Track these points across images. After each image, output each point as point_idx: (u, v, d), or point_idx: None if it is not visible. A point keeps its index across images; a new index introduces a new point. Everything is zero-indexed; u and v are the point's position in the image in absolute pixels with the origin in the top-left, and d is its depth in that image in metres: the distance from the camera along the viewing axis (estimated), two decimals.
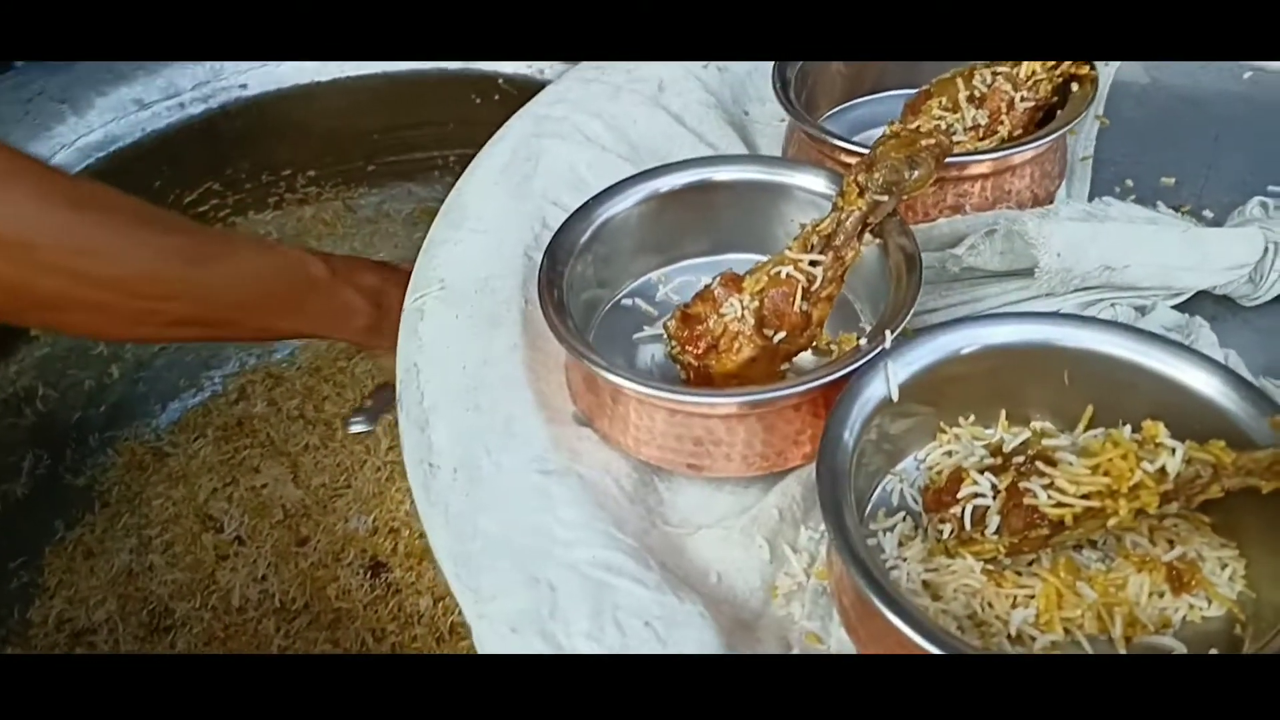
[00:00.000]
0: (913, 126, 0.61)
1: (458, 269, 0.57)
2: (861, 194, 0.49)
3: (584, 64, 0.73)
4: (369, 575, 0.93)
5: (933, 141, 0.49)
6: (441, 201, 0.64)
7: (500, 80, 0.89)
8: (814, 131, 0.60)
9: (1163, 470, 0.38)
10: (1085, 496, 0.39)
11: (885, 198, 0.49)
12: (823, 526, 0.47)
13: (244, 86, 0.90)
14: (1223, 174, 0.63)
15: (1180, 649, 0.39)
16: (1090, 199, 0.62)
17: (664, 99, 0.69)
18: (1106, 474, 0.39)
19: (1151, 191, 0.62)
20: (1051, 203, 0.60)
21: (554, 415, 0.50)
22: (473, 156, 0.66)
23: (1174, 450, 0.39)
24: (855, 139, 0.62)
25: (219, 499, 0.99)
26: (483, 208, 0.61)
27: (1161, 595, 0.41)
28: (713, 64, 0.72)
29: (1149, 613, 0.40)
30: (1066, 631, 0.40)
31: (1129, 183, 0.63)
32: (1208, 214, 0.60)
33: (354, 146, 1.08)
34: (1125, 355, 0.43)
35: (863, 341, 0.45)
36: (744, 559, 0.46)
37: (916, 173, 0.49)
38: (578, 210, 0.54)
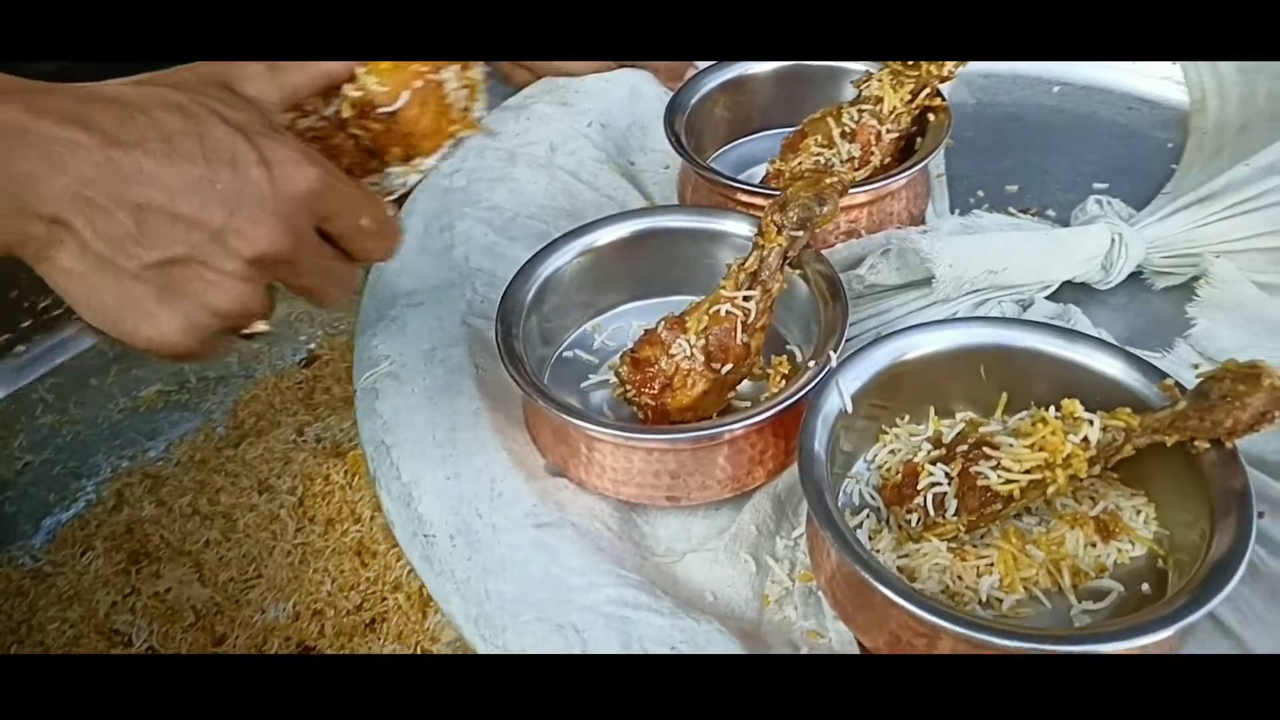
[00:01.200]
0: (794, 163, 0.68)
1: (401, 344, 0.59)
2: (779, 231, 0.54)
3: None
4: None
5: (835, 179, 0.55)
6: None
7: None
8: (710, 175, 0.66)
9: (1085, 440, 0.45)
10: (1028, 471, 0.45)
11: (800, 233, 0.54)
12: (795, 534, 0.52)
13: None
14: (1054, 177, 0.73)
15: (1119, 588, 0.46)
16: (952, 211, 0.70)
17: (557, 159, 0.73)
18: (1042, 449, 0.45)
19: (1000, 199, 0.71)
20: (923, 219, 0.68)
21: (531, 471, 0.53)
22: None
23: (1091, 421, 0.46)
24: (741, 177, 0.69)
25: (121, 611, 0.94)
26: (412, 283, 0.63)
27: (1094, 545, 0.48)
28: (595, 121, 0.76)
29: (1087, 562, 0.47)
30: (1026, 590, 0.46)
31: (980, 193, 0.72)
32: (1051, 213, 0.69)
33: None
34: (1030, 345, 0.51)
35: (812, 364, 0.50)
36: (733, 575, 0.50)
37: (825, 208, 0.55)
38: (519, 272, 0.57)
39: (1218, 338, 0.58)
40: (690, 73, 0.78)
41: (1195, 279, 0.62)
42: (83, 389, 1.09)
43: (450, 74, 0.50)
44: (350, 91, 0.49)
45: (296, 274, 0.43)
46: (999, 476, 0.45)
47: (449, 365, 0.57)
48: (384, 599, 0.92)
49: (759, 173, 0.71)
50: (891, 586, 0.41)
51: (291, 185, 0.41)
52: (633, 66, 0.80)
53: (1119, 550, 0.47)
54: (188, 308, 0.40)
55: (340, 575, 0.94)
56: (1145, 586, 0.46)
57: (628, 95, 0.78)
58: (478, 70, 0.53)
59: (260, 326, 0.44)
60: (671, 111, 0.69)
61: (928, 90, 0.66)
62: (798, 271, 0.56)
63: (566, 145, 0.74)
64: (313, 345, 1.19)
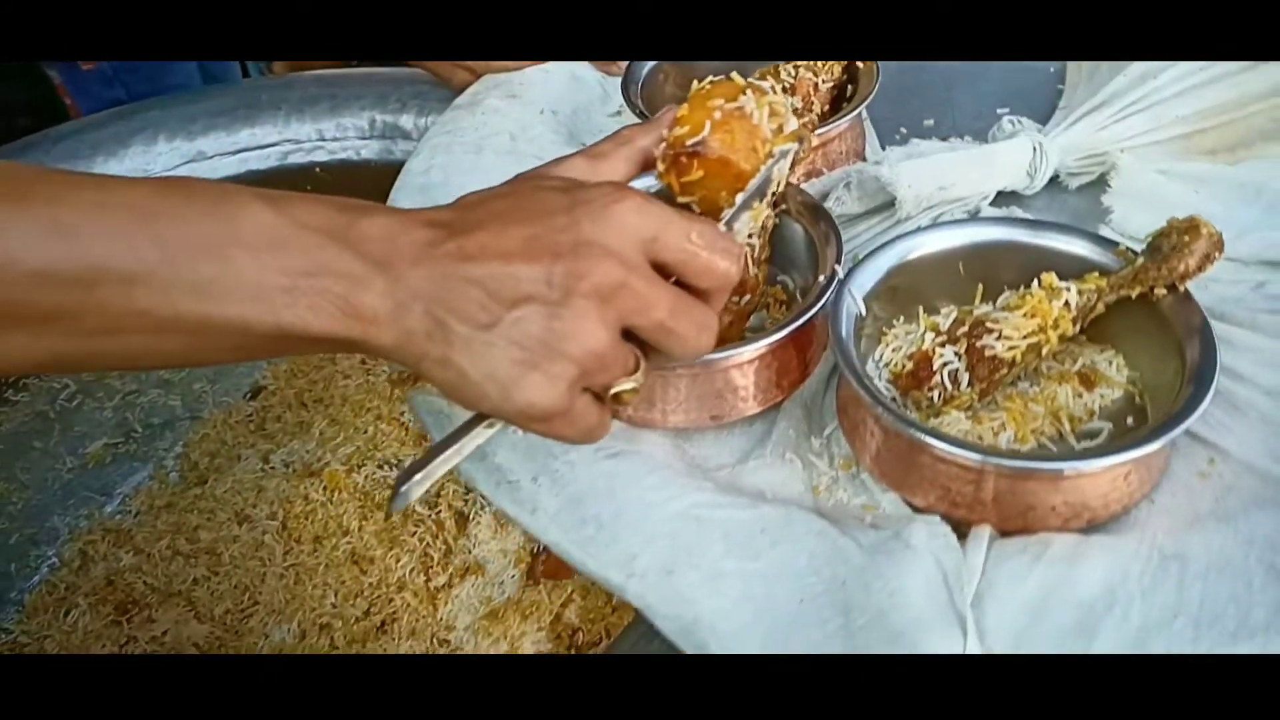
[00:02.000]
0: None
1: None
2: None
3: (433, 129, 0.79)
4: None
5: (806, 119, 0.62)
6: None
7: (317, 169, 0.92)
8: None
9: (1067, 304, 0.54)
10: (1026, 337, 0.53)
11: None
12: (826, 432, 0.58)
13: None
14: (961, 109, 0.82)
15: (1108, 426, 0.55)
16: (883, 148, 0.78)
17: (520, 146, 0.77)
18: (1035, 316, 0.53)
19: (921, 133, 0.80)
20: (864, 157, 0.76)
21: None
22: None
23: (1068, 288, 0.54)
24: None
25: None
26: None
27: (1080, 395, 0.56)
28: (545, 109, 0.81)
29: (1078, 410, 0.55)
30: (1035, 440, 0.54)
31: (903, 130, 0.80)
32: (967, 139, 0.78)
33: None
34: (1001, 238, 0.59)
35: (822, 278, 0.57)
36: (784, 475, 0.56)
37: (802, 145, 0.61)
38: None
39: (1132, 220, 0.67)
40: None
41: (1104, 175, 0.71)
42: (27, 453, 1.06)
43: (749, 97, 0.49)
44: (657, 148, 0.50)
45: (644, 309, 0.42)
46: (1003, 345, 0.53)
47: None
48: (390, 600, 0.94)
49: None
50: (938, 436, 0.48)
51: (610, 216, 0.41)
52: None
53: (1101, 396, 0.56)
54: (544, 360, 0.40)
55: (341, 586, 0.96)
56: (1130, 420, 0.55)
57: (569, 82, 0.83)
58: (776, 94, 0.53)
59: (627, 384, 0.43)
60: (626, 85, 0.75)
61: None
62: (782, 207, 0.62)
63: (525, 133, 0.78)
64: (256, 376, 1.19)
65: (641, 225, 0.42)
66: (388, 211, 0.42)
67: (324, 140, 0.90)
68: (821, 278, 0.57)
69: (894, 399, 0.57)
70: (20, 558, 1.03)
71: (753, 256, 0.59)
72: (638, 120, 0.73)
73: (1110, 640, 0.43)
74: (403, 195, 0.73)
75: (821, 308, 0.55)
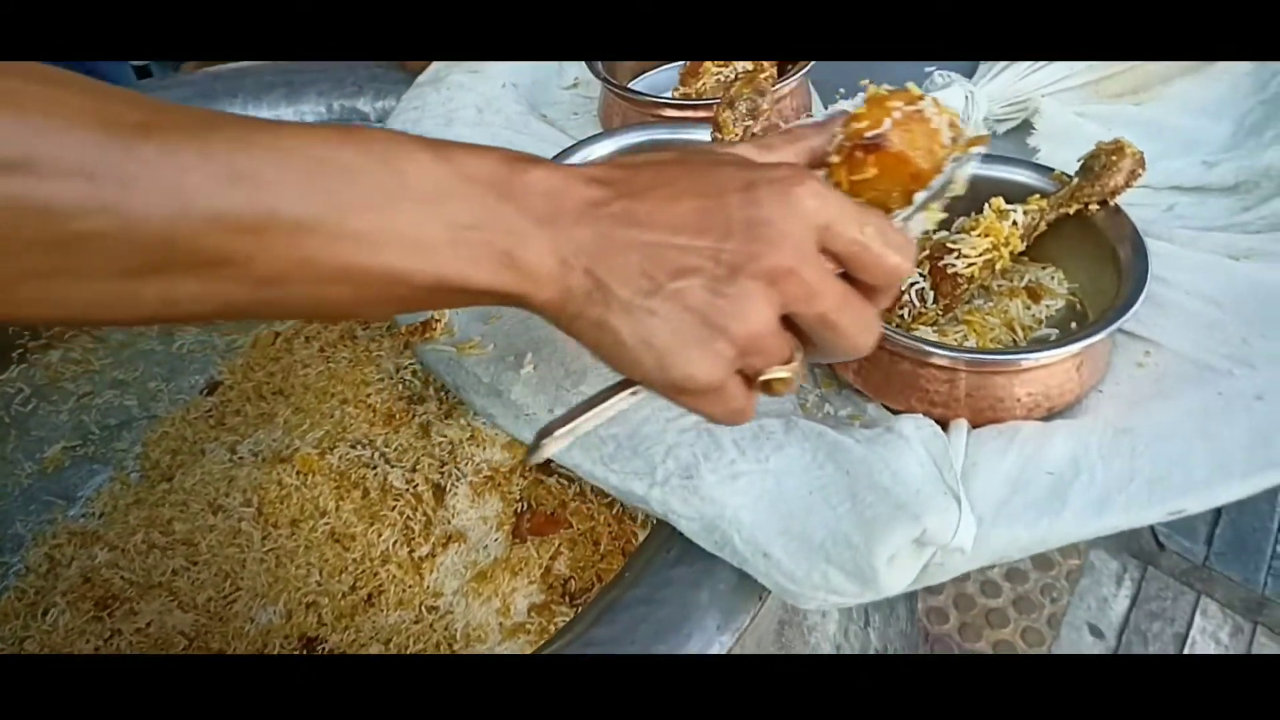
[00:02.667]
0: (699, 84, 0.80)
1: None
2: (735, 123, 0.66)
3: (401, 105, 0.82)
4: (306, 654, 0.94)
5: (765, 74, 0.68)
6: None
7: None
8: (636, 97, 0.77)
9: (1015, 223, 0.60)
10: (982, 254, 0.59)
11: (751, 121, 0.66)
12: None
13: None
14: (890, 70, 0.89)
15: (1055, 331, 0.61)
16: (825, 106, 0.84)
17: (486, 117, 0.81)
18: (988, 235, 0.60)
19: (857, 90, 0.86)
20: (811, 113, 0.82)
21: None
22: None
23: (1015, 210, 0.60)
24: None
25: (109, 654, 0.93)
26: None
27: (1029, 307, 0.63)
28: (506, 83, 0.85)
29: (1028, 320, 0.62)
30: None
31: (842, 90, 0.87)
32: None
33: None
34: None
35: None
36: (772, 402, 0.61)
37: (764, 99, 0.67)
38: None
39: (1057, 156, 0.74)
40: None
41: (1028, 120, 0.79)
42: None
43: (928, 102, 0.47)
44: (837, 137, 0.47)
45: (810, 299, 0.40)
46: (963, 263, 0.59)
47: None
48: (375, 574, 0.96)
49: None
50: (915, 340, 0.54)
51: (790, 199, 0.40)
52: None
53: (1047, 306, 0.63)
54: (704, 335, 0.39)
55: (324, 564, 0.97)
56: (1073, 325, 0.62)
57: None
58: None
59: (780, 372, 0.42)
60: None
61: None
62: None
63: (490, 105, 0.82)
64: (212, 372, 1.19)
65: (819, 211, 0.40)
66: (552, 166, 0.41)
67: None
68: None
69: None
70: None
71: None
72: (595, 93, 0.77)
73: (1079, 501, 0.49)
74: None
75: None
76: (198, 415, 1.15)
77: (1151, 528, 1.56)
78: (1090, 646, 1.50)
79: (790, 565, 0.49)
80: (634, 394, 0.45)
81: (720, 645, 0.51)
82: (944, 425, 0.55)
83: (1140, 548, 1.58)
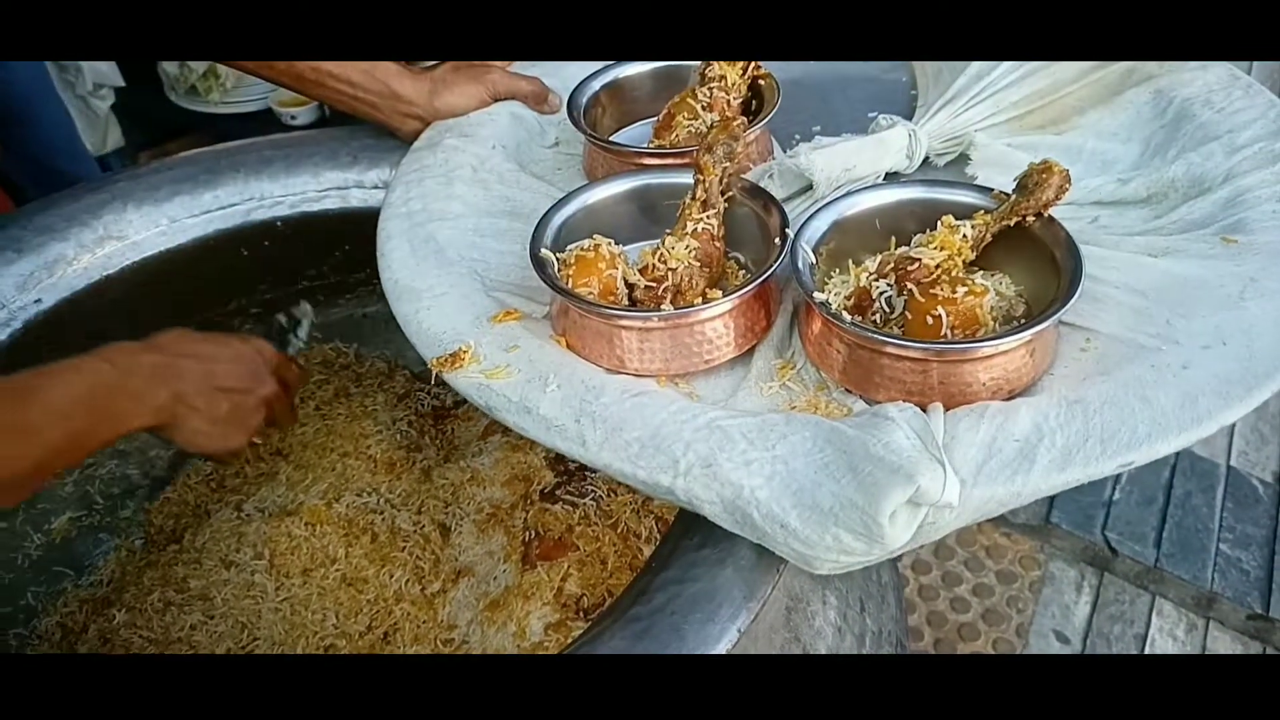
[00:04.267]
0: (673, 136, 0.89)
1: (449, 320, 0.73)
2: (714, 166, 0.75)
3: (402, 167, 0.90)
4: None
5: (738, 122, 0.77)
6: None
7: (278, 223, 1.00)
8: (618, 149, 0.86)
9: (965, 236, 0.69)
10: (938, 265, 0.68)
11: (728, 164, 0.75)
12: (798, 366, 0.71)
13: (38, 301, 0.91)
14: (840, 116, 0.99)
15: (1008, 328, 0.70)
16: (785, 150, 0.94)
17: (480, 176, 0.89)
18: (943, 248, 0.69)
19: (809, 137, 0.96)
20: (772, 155, 0.91)
21: (608, 373, 0.69)
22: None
23: (963, 224, 0.70)
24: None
25: None
26: (424, 282, 0.77)
27: (992, 309, 0.71)
28: (496, 144, 0.93)
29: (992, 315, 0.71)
30: None
31: (797, 136, 0.96)
32: (849, 136, 0.95)
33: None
34: (906, 196, 0.74)
35: (776, 240, 0.71)
36: (770, 400, 0.69)
37: (738, 144, 0.76)
38: (539, 224, 0.73)
39: (994, 181, 0.84)
40: (551, 96, 0.98)
41: (964, 153, 0.89)
42: None
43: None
44: None
45: (281, 400, 0.83)
46: (926, 255, 0.68)
47: (494, 320, 0.72)
48: (390, 612, 1.01)
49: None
50: (892, 336, 0.62)
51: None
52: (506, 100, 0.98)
53: (999, 305, 0.72)
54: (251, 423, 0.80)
55: (339, 608, 1.01)
56: (1022, 321, 0.71)
57: (511, 121, 0.96)
58: None
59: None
60: (570, 109, 0.88)
61: (753, 64, 0.90)
62: (729, 193, 0.76)
63: (484, 165, 0.90)
64: None
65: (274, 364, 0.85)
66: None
67: (284, 195, 0.99)
68: (776, 240, 0.71)
69: None
70: None
71: (712, 234, 0.73)
72: (576, 150, 0.86)
73: (1044, 460, 0.58)
74: (392, 222, 0.83)
75: (781, 262, 0.69)
76: (198, 480, 1.19)
77: (1105, 536, 1.66)
78: (1058, 652, 1.58)
79: (805, 531, 0.56)
80: None
81: (748, 612, 0.57)
82: (922, 409, 0.63)
83: (1095, 555, 1.67)
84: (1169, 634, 1.60)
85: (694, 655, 0.54)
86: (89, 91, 1.92)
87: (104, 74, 1.93)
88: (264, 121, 2.08)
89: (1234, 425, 1.30)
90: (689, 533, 0.62)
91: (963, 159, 0.89)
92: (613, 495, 1.00)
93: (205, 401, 0.73)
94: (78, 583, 1.10)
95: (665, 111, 0.91)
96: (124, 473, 1.19)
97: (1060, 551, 1.71)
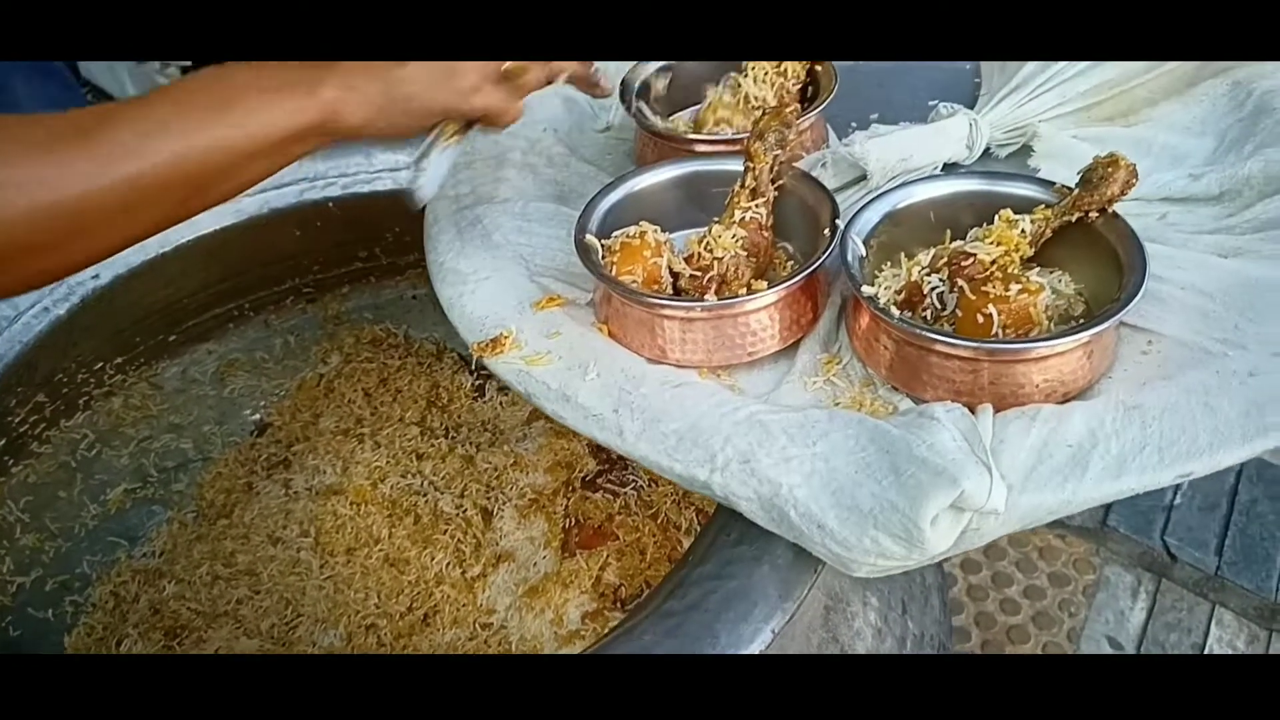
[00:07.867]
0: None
1: (492, 305, 0.72)
2: (765, 153, 0.73)
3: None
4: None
5: (791, 108, 0.75)
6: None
7: (330, 204, 1.01)
8: (671, 133, 0.84)
9: (1023, 231, 0.67)
10: (994, 261, 0.66)
11: (780, 151, 0.73)
12: (834, 348, 0.70)
13: (96, 277, 0.93)
14: (900, 104, 0.96)
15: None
16: (841, 138, 0.92)
17: (530, 159, 0.89)
18: (1000, 243, 0.66)
19: (867, 125, 0.94)
20: (827, 143, 0.89)
21: (650, 363, 0.68)
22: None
23: (1022, 218, 0.67)
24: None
25: None
26: (470, 265, 0.76)
27: (1048, 308, 0.69)
28: (548, 128, 0.92)
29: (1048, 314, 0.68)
30: None
31: (854, 124, 0.94)
32: (907, 125, 0.92)
33: (159, 319, 1.12)
34: (964, 189, 0.72)
35: (826, 231, 0.69)
36: (814, 396, 0.67)
37: (790, 131, 0.74)
38: (583, 211, 0.72)
39: (1056, 175, 0.81)
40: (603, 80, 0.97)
41: (1027, 144, 0.86)
42: (54, 503, 1.11)
43: None
44: None
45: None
46: (981, 251, 0.66)
47: (536, 305, 0.72)
48: (430, 594, 1.02)
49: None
50: (941, 333, 0.60)
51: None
52: None
53: (1059, 304, 0.69)
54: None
55: (381, 588, 1.03)
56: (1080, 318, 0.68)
57: (563, 104, 0.95)
58: None
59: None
60: (624, 93, 0.87)
61: None
62: (779, 182, 0.75)
63: (535, 148, 0.89)
64: (258, 416, 1.25)
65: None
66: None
67: (337, 176, 0.99)
68: (826, 231, 0.69)
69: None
70: (56, 604, 1.07)
71: (760, 223, 0.72)
72: (625, 135, 0.84)
73: (1098, 467, 0.55)
74: (439, 205, 0.83)
75: (829, 254, 0.67)
76: (249, 455, 1.21)
77: (1164, 542, 1.61)
78: None
79: (843, 533, 0.54)
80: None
81: (783, 613, 0.56)
82: (971, 410, 0.61)
83: (1153, 560, 1.62)
84: (1229, 644, 1.54)
85: (725, 655, 0.53)
86: (156, 69, 1.97)
87: None
88: None
89: None
90: (727, 528, 0.61)
91: (1025, 150, 0.86)
92: (654, 485, 1.00)
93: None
94: (130, 553, 1.12)
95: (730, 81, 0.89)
96: (179, 446, 1.21)
97: (1116, 556, 1.66)
